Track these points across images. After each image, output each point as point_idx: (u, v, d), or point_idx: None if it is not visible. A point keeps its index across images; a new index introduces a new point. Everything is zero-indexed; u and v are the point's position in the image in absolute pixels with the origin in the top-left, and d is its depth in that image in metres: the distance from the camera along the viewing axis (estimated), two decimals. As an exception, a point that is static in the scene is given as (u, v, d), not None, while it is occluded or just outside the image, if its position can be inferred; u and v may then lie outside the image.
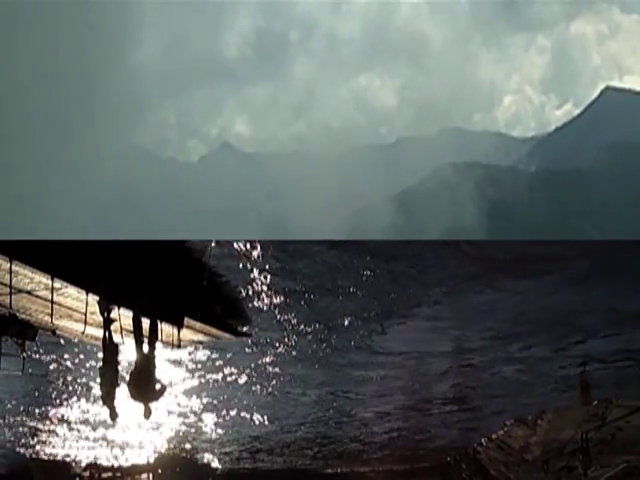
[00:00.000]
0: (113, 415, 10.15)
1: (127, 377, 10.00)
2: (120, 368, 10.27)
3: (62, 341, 14.69)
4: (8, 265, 8.44)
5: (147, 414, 10.03)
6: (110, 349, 10.11)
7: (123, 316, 10.37)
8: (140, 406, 10.03)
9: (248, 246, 11.37)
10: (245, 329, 13.95)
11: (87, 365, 16.27)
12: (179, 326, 11.49)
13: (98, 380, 10.33)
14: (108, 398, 10.07)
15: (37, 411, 20.95)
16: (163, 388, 10.26)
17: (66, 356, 15.89)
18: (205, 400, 19.84)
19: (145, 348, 10.22)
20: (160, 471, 27.26)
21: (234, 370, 17.26)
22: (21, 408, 20.52)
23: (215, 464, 27.81)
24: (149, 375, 10.01)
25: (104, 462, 27.81)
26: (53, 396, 19.21)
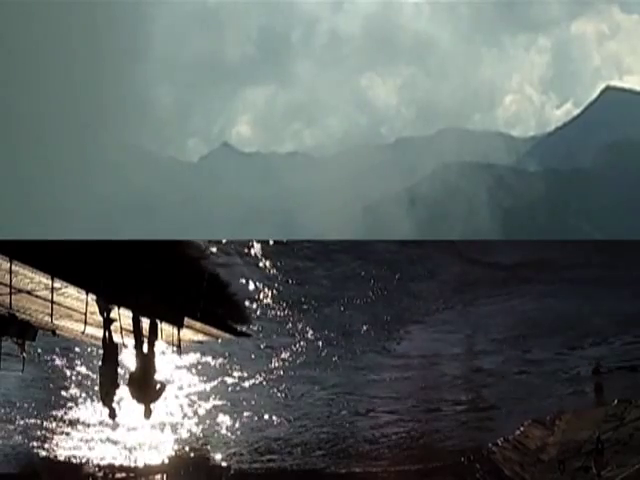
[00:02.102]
0: (112, 415, 10.20)
1: (127, 377, 10.03)
2: (120, 368, 10.30)
3: (77, 349, 14.87)
4: (8, 265, 8.44)
5: (147, 414, 10.07)
6: (110, 349, 10.15)
7: (123, 316, 10.39)
8: (140, 406, 10.07)
9: (252, 247, 11.33)
10: (245, 329, 13.96)
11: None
12: (179, 326, 11.50)
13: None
14: (107, 398, 10.12)
15: (51, 414, 21.17)
16: (163, 388, 10.31)
17: (79, 362, 16.06)
18: (218, 402, 20.01)
19: (145, 348, 10.26)
20: (174, 471, 27.41)
21: (247, 373, 17.44)
22: (35, 411, 20.77)
23: (228, 464, 27.92)
24: (149, 375, 10.05)
25: (118, 463, 27.94)
26: (67, 399, 19.42)
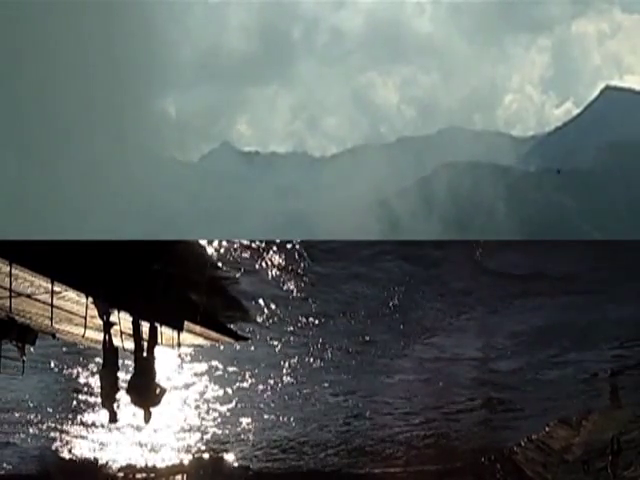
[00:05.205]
0: (113, 418, 10.13)
1: (127, 381, 9.96)
2: (120, 372, 10.24)
3: (99, 360, 14.99)
4: (8, 268, 8.37)
5: (147, 418, 9.99)
6: (110, 353, 10.09)
7: (123, 319, 10.31)
8: (140, 411, 10.01)
9: (254, 246, 11.24)
10: (246, 333, 13.90)
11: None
12: (179, 330, 11.43)
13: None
14: (108, 401, 10.06)
15: (72, 416, 21.36)
16: (163, 392, 10.22)
17: (95, 369, 16.21)
18: (236, 405, 20.21)
19: (145, 352, 10.18)
20: (193, 472, 27.55)
21: (263, 378, 17.59)
22: (57, 415, 21.00)
23: (246, 464, 28.03)
24: (149, 379, 9.97)
25: (138, 464, 28.09)
26: (88, 404, 19.64)
